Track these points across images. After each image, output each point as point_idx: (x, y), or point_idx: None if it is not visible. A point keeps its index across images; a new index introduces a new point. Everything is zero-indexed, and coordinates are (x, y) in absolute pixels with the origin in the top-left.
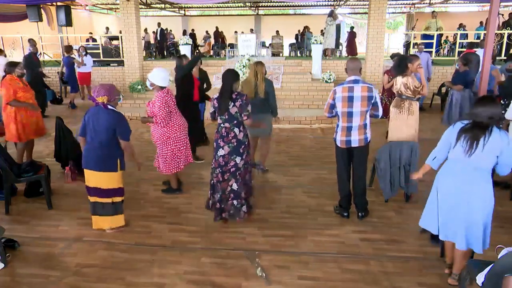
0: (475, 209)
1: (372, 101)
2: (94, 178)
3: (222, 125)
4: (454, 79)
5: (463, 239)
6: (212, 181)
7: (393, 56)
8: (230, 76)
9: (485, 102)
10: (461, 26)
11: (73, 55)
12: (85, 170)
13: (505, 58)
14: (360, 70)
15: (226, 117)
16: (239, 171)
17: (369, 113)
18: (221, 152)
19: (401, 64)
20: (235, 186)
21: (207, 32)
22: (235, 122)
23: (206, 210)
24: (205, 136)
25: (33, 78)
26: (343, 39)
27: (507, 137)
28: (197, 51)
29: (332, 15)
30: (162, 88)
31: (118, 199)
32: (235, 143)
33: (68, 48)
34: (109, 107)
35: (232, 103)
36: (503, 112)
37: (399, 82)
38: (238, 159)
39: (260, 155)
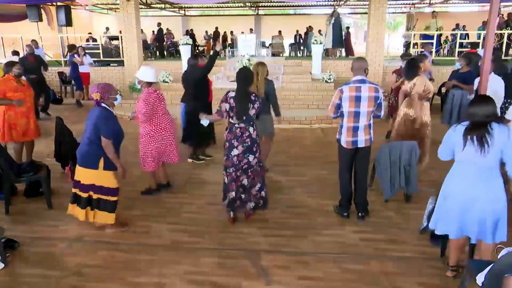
0: (489, 204)
1: (378, 102)
2: (78, 171)
3: (237, 125)
4: (460, 80)
5: (482, 233)
6: (226, 180)
7: (403, 56)
8: (248, 77)
9: (480, 101)
10: (457, 26)
11: (75, 54)
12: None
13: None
14: (366, 70)
15: (244, 118)
16: (251, 168)
17: (373, 114)
18: (235, 152)
19: (411, 67)
20: (245, 182)
21: (206, 32)
22: (251, 122)
23: (206, 210)
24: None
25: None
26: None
27: (507, 129)
28: (198, 50)
29: (332, 14)
30: (149, 85)
31: (97, 196)
32: (249, 142)
33: (71, 47)
34: (102, 104)
35: (251, 105)
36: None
37: (413, 83)
38: (251, 157)
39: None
